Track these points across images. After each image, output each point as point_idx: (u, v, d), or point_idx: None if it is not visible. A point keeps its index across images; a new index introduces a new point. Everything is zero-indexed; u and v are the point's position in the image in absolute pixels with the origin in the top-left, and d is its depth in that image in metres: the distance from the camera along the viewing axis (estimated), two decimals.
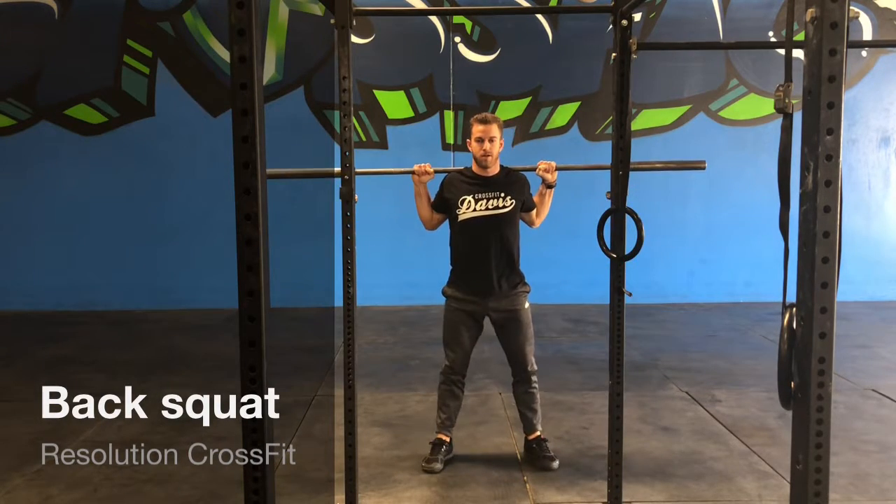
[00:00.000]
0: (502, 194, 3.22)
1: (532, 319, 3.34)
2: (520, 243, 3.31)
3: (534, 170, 3.24)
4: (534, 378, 3.32)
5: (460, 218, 3.23)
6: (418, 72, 7.16)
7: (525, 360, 3.28)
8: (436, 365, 4.11)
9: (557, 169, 3.24)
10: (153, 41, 7.06)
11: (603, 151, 6.86)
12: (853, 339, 5.60)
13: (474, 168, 3.28)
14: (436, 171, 3.24)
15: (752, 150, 7.20)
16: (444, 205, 3.30)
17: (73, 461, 3.31)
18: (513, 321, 3.26)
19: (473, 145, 3.22)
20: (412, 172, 3.21)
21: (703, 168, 2.93)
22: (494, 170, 3.26)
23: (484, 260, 3.22)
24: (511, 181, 3.27)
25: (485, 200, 3.21)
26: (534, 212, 3.34)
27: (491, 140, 3.18)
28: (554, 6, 7.46)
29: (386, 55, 7.13)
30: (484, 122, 3.19)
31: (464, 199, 3.23)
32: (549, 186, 3.29)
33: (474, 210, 3.21)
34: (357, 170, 2.63)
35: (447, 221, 3.34)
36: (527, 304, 3.32)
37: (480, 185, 3.24)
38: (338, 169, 2.58)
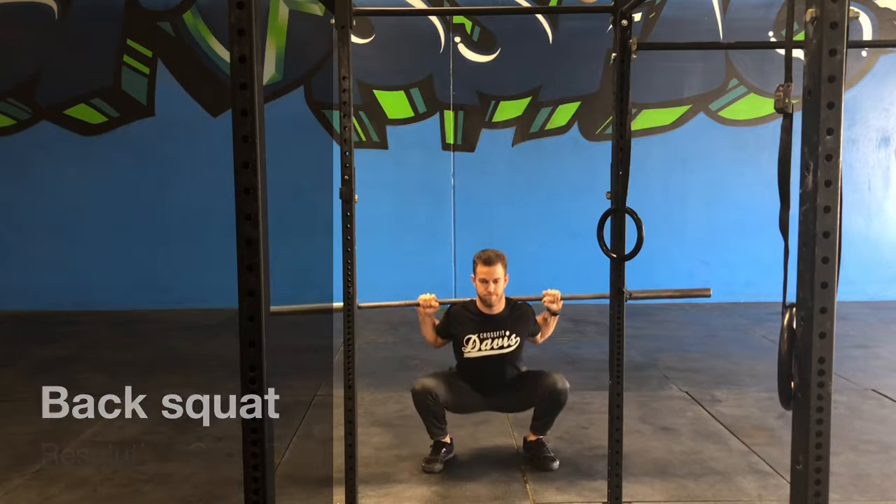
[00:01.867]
0: (507, 332, 3.25)
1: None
2: (523, 359, 3.35)
3: (539, 299, 3.20)
4: (565, 396, 3.23)
5: (466, 356, 3.27)
6: (418, 72, 7.16)
7: (555, 379, 3.22)
8: (436, 365, 4.11)
9: (562, 299, 3.21)
10: (153, 41, 7.06)
11: (603, 151, 6.87)
12: (853, 339, 5.60)
13: (479, 304, 3.28)
14: (441, 303, 3.23)
15: (752, 150, 7.20)
16: (448, 335, 3.33)
17: (73, 461, 3.31)
18: (526, 389, 3.26)
19: (478, 285, 3.23)
20: (417, 305, 3.21)
21: (709, 296, 2.90)
22: (499, 307, 3.27)
23: (490, 385, 3.28)
24: (515, 318, 3.28)
25: (490, 340, 3.24)
26: (538, 335, 3.36)
27: (495, 281, 3.19)
28: (554, 6, 7.46)
29: (386, 55, 7.13)
30: (488, 262, 3.19)
31: (469, 338, 3.25)
32: (554, 314, 3.28)
33: (479, 350, 3.25)
34: (360, 304, 2.64)
35: (451, 343, 3.36)
36: (524, 368, 3.35)
37: (485, 323, 3.25)
38: (339, 304, 2.59)
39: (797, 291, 1.20)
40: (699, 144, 7.26)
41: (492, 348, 3.24)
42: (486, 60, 7.18)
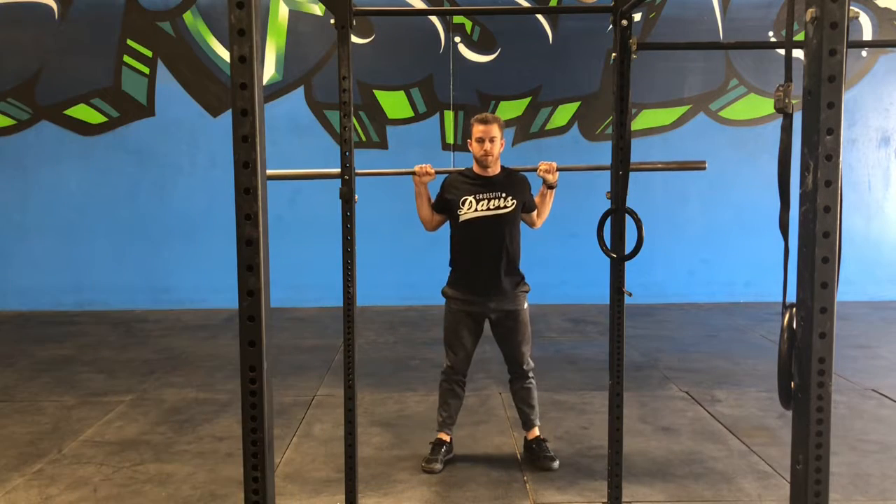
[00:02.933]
0: (503, 194, 3.22)
1: (531, 319, 3.35)
2: (520, 243, 3.31)
3: (535, 170, 3.23)
4: (530, 374, 3.32)
5: (462, 218, 3.23)
6: (418, 72, 7.16)
7: (522, 359, 3.30)
8: (436, 365, 4.12)
9: (558, 170, 3.23)
10: (153, 41, 7.06)
11: (603, 151, 6.87)
12: (853, 339, 5.60)
13: (475, 168, 3.27)
14: (437, 172, 3.23)
15: (752, 150, 7.20)
16: (445, 206, 3.29)
17: (73, 461, 3.32)
18: (512, 321, 3.27)
19: (474, 145, 3.22)
20: (413, 173, 3.20)
21: (704, 168, 2.93)
22: (495, 170, 3.26)
23: (485, 259, 3.22)
24: (512, 181, 3.27)
25: (486, 200, 3.21)
26: (535, 212, 3.34)
27: (492, 140, 3.18)
28: (554, 6, 7.46)
29: (386, 55, 7.13)
30: (484, 122, 3.19)
31: (465, 200, 3.22)
32: (550, 187, 3.29)
33: (476, 210, 3.21)
34: (357, 171, 2.62)
35: (447, 222, 3.34)
36: (526, 304, 3.32)
37: (482, 185, 3.24)
38: (337, 170, 2.58)
39: (797, 291, 1.20)
40: (699, 144, 7.25)
41: (488, 208, 3.21)
42: (486, 60, 7.18)
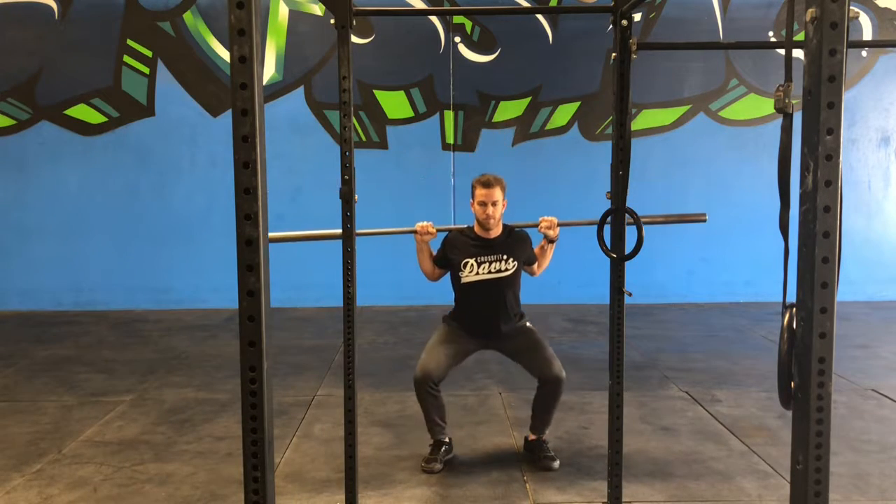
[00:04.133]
0: (505, 256, 3.24)
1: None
2: (520, 294, 3.35)
3: (536, 226, 3.23)
4: (562, 386, 3.22)
5: (463, 280, 3.26)
6: (418, 72, 7.16)
7: (551, 364, 3.20)
8: None
9: (559, 225, 3.23)
10: (153, 41, 7.06)
11: (603, 151, 6.88)
12: (853, 339, 5.60)
13: (476, 229, 3.28)
14: (438, 230, 3.24)
15: (752, 150, 7.20)
16: (446, 263, 3.32)
17: (72, 461, 3.32)
18: (521, 338, 3.28)
19: (476, 208, 3.23)
20: (414, 232, 3.21)
21: (704, 221, 2.97)
22: (497, 231, 3.28)
23: (487, 315, 3.27)
24: (513, 242, 3.29)
25: (487, 264, 3.24)
26: (535, 264, 3.36)
27: (494, 204, 3.19)
28: (554, 6, 7.46)
29: (386, 55, 7.13)
30: (486, 185, 3.19)
31: (466, 262, 3.24)
32: (551, 241, 3.29)
33: (477, 273, 3.24)
34: (358, 231, 2.62)
35: (449, 274, 3.36)
36: (529, 325, 3.35)
37: (483, 247, 3.25)
38: (338, 230, 2.58)
39: (797, 291, 1.20)
40: (699, 144, 7.26)
41: (489, 272, 3.22)
42: (486, 60, 7.18)
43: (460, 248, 3.27)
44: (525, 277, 3.37)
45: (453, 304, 3.39)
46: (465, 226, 3.36)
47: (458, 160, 7.14)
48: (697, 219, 3.00)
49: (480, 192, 3.20)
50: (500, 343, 3.31)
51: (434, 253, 3.34)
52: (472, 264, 3.24)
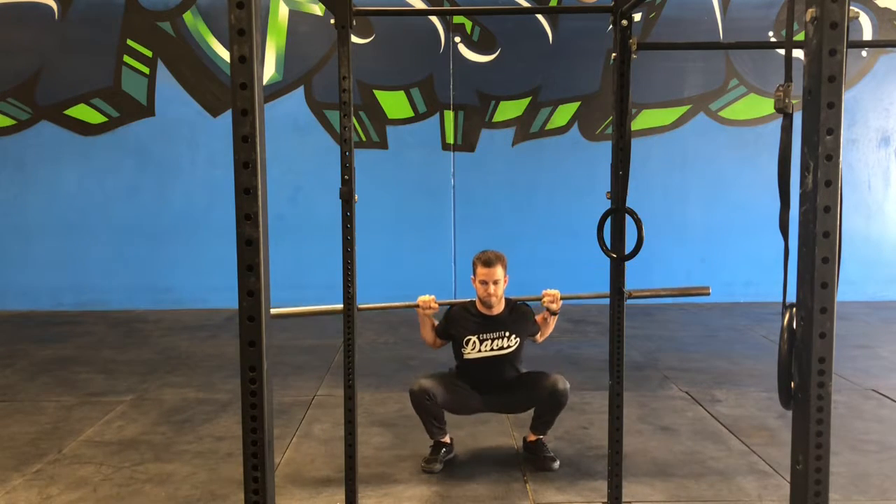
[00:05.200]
0: (507, 333, 3.24)
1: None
2: (523, 360, 3.36)
3: (539, 299, 3.21)
4: (567, 397, 3.22)
5: (465, 357, 3.26)
6: (418, 72, 7.16)
7: (553, 380, 3.20)
8: (436, 365, 4.11)
9: (561, 298, 3.21)
10: (153, 41, 7.06)
11: (603, 151, 6.87)
12: (853, 339, 5.60)
13: (478, 305, 3.28)
14: (440, 304, 3.24)
15: (752, 150, 7.20)
16: (448, 337, 3.33)
17: (72, 461, 3.32)
18: (521, 383, 3.28)
19: (478, 286, 3.23)
20: (416, 306, 3.21)
21: (708, 294, 2.94)
22: (499, 308, 3.27)
23: (487, 386, 3.27)
24: (515, 318, 3.28)
25: (490, 341, 3.24)
26: (538, 334, 3.36)
27: (495, 282, 3.19)
28: (554, 6, 7.46)
29: (386, 55, 7.13)
30: (488, 264, 3.19)
31: (468, 339, 3.25)
32: (553, 314, 3.27)
33: (479, 351, 3.24)
34: (360, 305, 2.63)
35: (451, 344, 3.36)
36: (523, 370, 3.36)
37: (485, 324, 3.25)
38: (339, 306, 2.58)
39: (797, 291, 1.20)
40: (699, 144, 7.26)
41: (492, 349, 3.24)
42: (486, 60, 7.18)
43: (462, 324, 3.28)
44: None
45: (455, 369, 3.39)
46: (468, 300, 3.36)
47: (458, 160, 7.13)
48: (700, 292, 2.97)
49: (482, 272, 3.20)
50: (503, 396, 3.28)
51: (436, 324, 3.35)
52: (474, 341, 3.24)
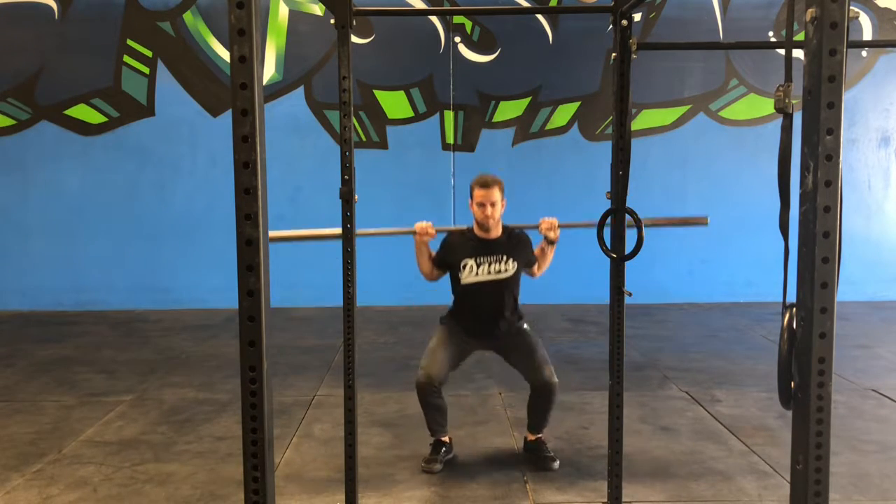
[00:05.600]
0: (504, 257, 3.23)
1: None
2: (520, 295, 3.33)
3: (536, 227, 3.22)
4: (555, 391, 3.22)
5: (462, 282, 3.25)
6: (418, 72, 7.16)
7: (543, 368, 3.20)
8: None
9: (559, 226, 3.22)
10: (153, 41, 7.06)
11: (603, 151, 6.87)
12: (853, 339, 5.60)
13: (476, 230, 3.27)
14: (437, 231, 3.23)
15: (752, 150, 7.20)
16: (445, 264, 3.31)
17: (73, 461, 3.32)
18: (518, 340, 3.28)
19: (475, 209, 3.21)
20: (413, 232, 3.19)
21: (706, 224, 2.98)
22: (496, 232, 3.27)
23: (486, 316, 3.26)
24: (513, 243, 3.28)
25: (487, 265, 3.22)
26: (535, 266, 3.35)
27: (493, 204, 3.18)
28: (554, 6, 7.46)
29: (386, 55, 7.13)
30: (485, 185, 3.18)
31: (466, 263, 3.23)
32: (551, 243, 3.28)
33: (476, 274, 3.23)
34: (358, 230, 2.61)
35: (448, 275, 3.35)
36: (526, 326, 3.34)
37: (482, 248, 3.24)
38: (338, 230, 2.57)
39: (797, 291, 1.20)
40: (699, 144, 7.25)
41: (489, 273, 3.21)
42: (486, 60, 7.18)
43: (459, 249, 3.26)
44: (524, 277, 3.37)
45: (451, 305, 3.38)
46: (465, 227, 3.35)
47: (458, 160, 7.13)
48: (699, 222, 3.01)
49: (479, 193, 3.19)
50: (498, 343, 3.31)
51: (433, 254, 3.33)
52: (471, 265, 3.22)
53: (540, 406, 3.27)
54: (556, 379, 3.23)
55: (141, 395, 4.35)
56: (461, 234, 3.31)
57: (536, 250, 3.33)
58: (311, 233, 2.89)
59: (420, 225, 3.18)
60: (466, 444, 3.50)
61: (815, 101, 1.12)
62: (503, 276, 3.22)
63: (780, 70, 1.40)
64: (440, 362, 3.21)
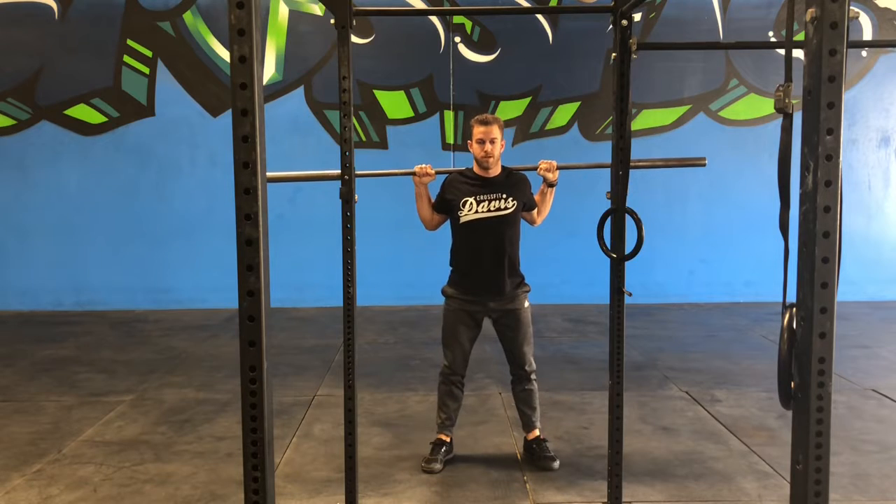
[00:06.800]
0: (504, 195, 3.22)
1: (532, 320, 3.35)
2: (520, 244, 3.31)
3: (535, 169, 3.24)
4: (532, 377, 3.32)
5: (462, 220, 3.23)
6: (418, 72, 7.16)
7: (523, 359, 3.29)
8: (436, 365, 4.11)
9: (558, 168, 3.24)
10: (153, 41, 7.06)
11: (603, 151, 6.86)
12: (853, 339, 5.60)
13: (475, 169, 3.27)
14: (437, 172, 3.23)
15: (752, 150, 7.20)
16: (445, 206, 3.29)
17: (73, 461, 3.32)
18: (513, 319, 3.27)
19: (474, 147, 3.21)
20: (413, 174, 3.20)
21: (704, 165, 2.95)
22: (496, 171, 3.26)
23: (486, 260, 3.23)
24: (512, 182, 3.27)
25: (486, 202, 3.21)
26: (535, 211, 3.35)
27: (492, 141, 3.18)
28: (554, 6, 7.46)
29: (386, 55, 7.13)
30: (484, 123, 3.18)
31: (465, 201, 3.22)
32: (551, 185, 3.30)
33: (476, 212, 3.21)
34: (357, 172, 2.62)
35: (448, 221, 3.34)
36: (527, 304, 3.32)
37: (482, 186, 3.24)
38: (337, 171, 2.57)
39: (797, 291, 1.20)
40: (699, 144, 7.24)
41: (488, 210, 3.21)
42: (486, 60, 7.18)
43: (459, 188, 3.25)
44: (527, 235, 3.34)
45: (452, 261, 3.33)
46: (464, 168, 3.35)
47: (459, 160, 7.13)
48: (697, 163, 2.97)
49: (478, 130, 3.19)
50: (500, 305, 3.26)
51: (432, 200, 3.33)
52: (471, 202, 3.21)
53: (523, 396, 3.31)
54: (534, 366, 3.30)
55: (141, 395, 4.35)
56: (460, 174, 3.31)
57: (537, 195, 3.34)
58: (310, 174, 2.90)
59: (420, 167, 3.19)
60: (466, 444, 3.50)
61: (815, 101, 1.12)
62: (504, 213, 3.21)
63: (780, 70, 1.41)
64: (462, 350, 3.27)
